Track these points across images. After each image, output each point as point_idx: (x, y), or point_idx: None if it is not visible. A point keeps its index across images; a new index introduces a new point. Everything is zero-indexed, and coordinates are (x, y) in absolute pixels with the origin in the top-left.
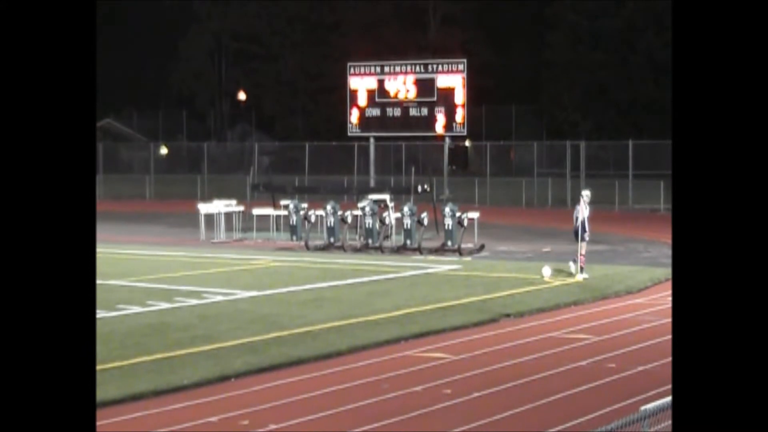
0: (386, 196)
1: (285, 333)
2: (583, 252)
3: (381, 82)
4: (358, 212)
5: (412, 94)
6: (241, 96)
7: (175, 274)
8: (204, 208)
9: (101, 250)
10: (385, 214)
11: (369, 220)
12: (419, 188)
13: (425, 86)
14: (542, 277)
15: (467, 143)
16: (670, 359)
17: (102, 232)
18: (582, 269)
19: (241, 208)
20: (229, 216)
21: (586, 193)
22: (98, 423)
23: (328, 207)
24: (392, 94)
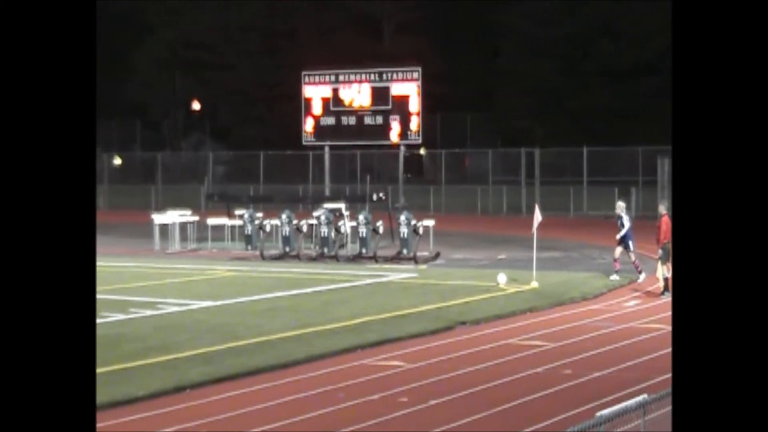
0: (341, 205)
1: (241, 343)
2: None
3: (336, 91)
4: (314, 221)
5: (366, 102)
6: (196, 105)
7: (130, 284)
8: (158, 218)
9: None
10: (341, 222)
11: (324, 229)
12: (374, 197)
13: (380, 94)
14: (498, 284)
15: (422, 151)
16: (625, 365)
17: None
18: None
19: (196, 218)
20: (183, 226)
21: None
22: None
23: (283, 216)
24: (347, 102)
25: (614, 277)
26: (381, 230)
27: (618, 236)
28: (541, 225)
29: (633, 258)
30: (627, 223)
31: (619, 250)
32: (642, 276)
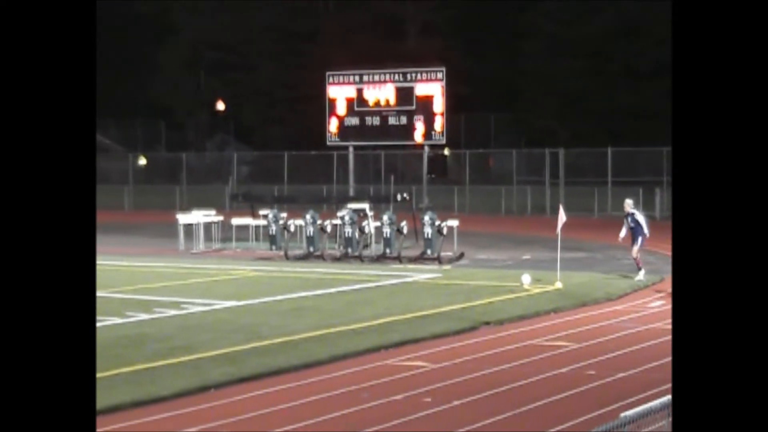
0: (365, 205)
1: (265, 343)
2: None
3: (360, 91)
4: (338, 221)
5: (391, 102)
6: (220, 106)
7: (154, 284)
8: (183, 218)
9: None
10: (365, 223)
11: (348, 229)
12: (398, 197)
13: (404, 95)
14: (522, 284)
15: (446, 151)
16: (649, 365)
17: None
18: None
19: (220, 218)
20: (208, 226)
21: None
22: None
23: (308, 216)
24: (371, 102)
25: (639, 277)
26: (405, 230)
27: (646, 234)
28: (565, 225)
29: (635, 255)
30: (641, 218)
31: (635, 249)
32: (641, 273)
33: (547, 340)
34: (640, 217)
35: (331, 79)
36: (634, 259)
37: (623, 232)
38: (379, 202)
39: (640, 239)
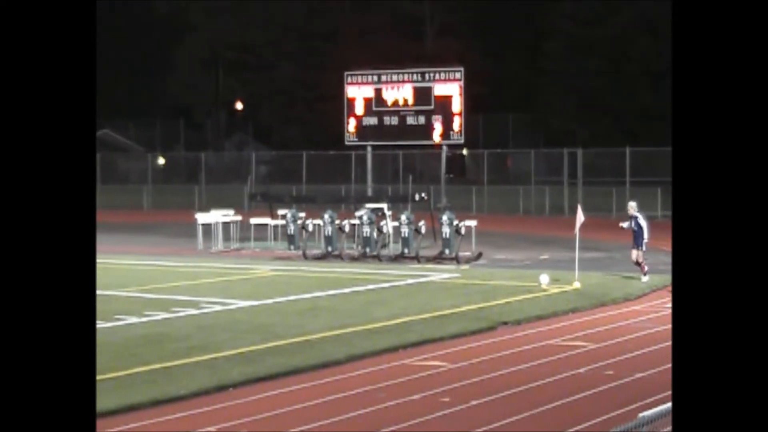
0: (384, 205)
1: (282, 342)
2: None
3: (378, 91)
4: (356, 221)
5: (409, 102)
6: (238, 106)
7: (173, 284)
8: (201, 217)
9: (98, 260)
10: (383, 222)
11: (366, 229)
12: (416, 197)
13: (422, 95)
14: (540, 284)
15: (464, 151)
16: (668, 366)
17: (99, 242)
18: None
19: (239, 217)
20: (226, 226)
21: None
22: None
23: (326, 216)
24: (389, 102)
25: (645, 278)
26: (423, 230)
27: (645, 240)
28: (583, 225)
29: (640, 258)
30: (644, 223)
31: (635, 252)
32: (645, 278)
33: (565, 340)
34: (643, 222)
35: (349, 79)
36: (638, 264)
37: (626, 224)
38: (397, 202)
39: (643, 242)
